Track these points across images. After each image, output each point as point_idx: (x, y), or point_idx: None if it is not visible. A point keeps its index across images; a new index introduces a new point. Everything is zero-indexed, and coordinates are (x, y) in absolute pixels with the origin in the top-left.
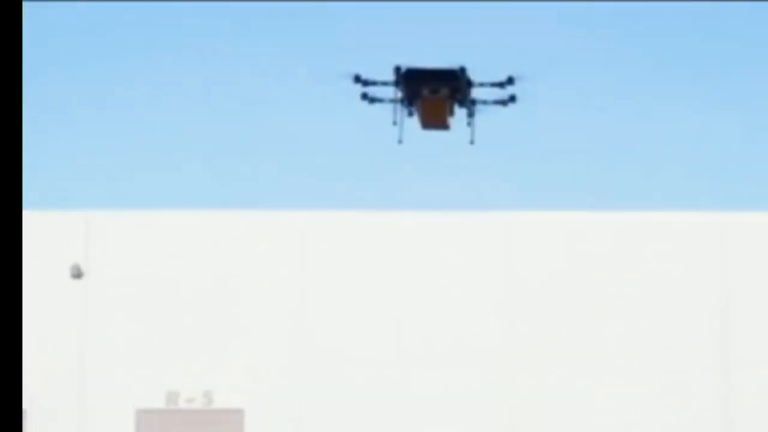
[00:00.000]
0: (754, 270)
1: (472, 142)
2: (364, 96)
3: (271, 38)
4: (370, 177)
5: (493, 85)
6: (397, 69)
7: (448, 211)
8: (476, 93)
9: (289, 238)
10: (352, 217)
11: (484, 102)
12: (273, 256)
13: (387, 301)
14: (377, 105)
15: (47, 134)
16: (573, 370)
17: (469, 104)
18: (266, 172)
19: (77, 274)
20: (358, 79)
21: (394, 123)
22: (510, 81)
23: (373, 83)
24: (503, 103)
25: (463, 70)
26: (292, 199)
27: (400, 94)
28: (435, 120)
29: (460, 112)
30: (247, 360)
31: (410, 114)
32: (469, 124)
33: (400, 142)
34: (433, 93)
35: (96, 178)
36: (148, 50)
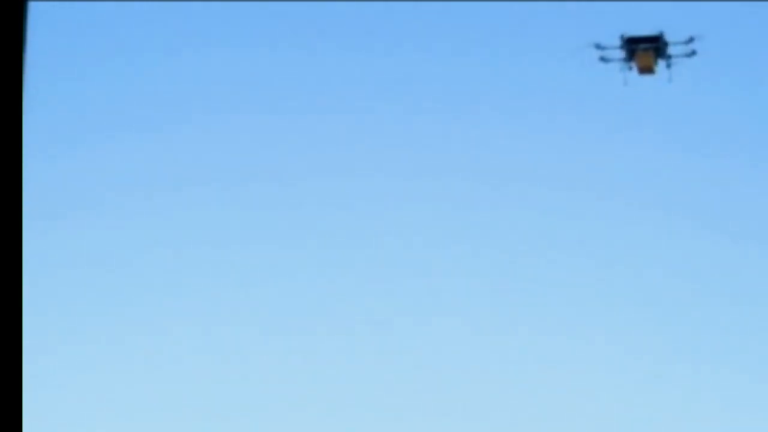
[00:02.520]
0: None
1: (670, 81)
2: (602, 58)
3: None
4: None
5: (680, 43)
6: (622, 36)
7: None
8: (671, 49)
9: None
10: None
11: (677, 56)
12: None
13: None
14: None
15: None
16: None
17: (667, 57)
18: None
19: None
20: (598, 46)
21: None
22: (691, 40)
23: (605, 48)
24: (688, 55)
25: (662, 34)
26: None
27: (623, 54)
28: (646, 68)
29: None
30: None
31: (630, 68)
32: (668, 66)
33: (625, 84)
34: (644, 50)
35: None
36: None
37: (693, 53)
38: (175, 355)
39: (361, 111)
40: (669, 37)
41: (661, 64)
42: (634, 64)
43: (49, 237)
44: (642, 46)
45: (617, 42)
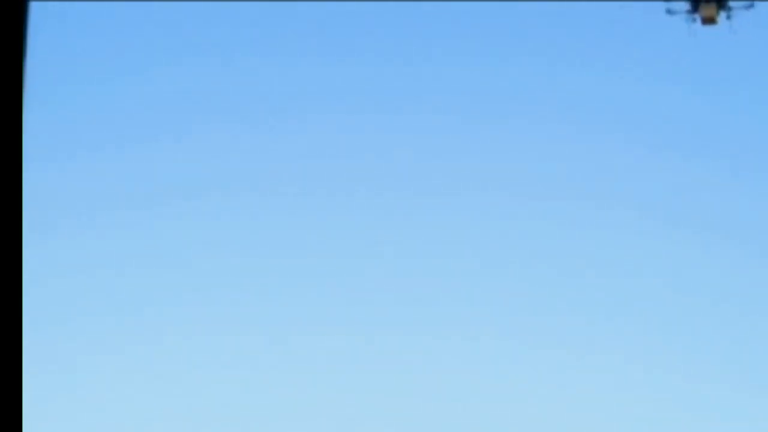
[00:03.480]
0: None
1: (731, 31)
2: (668, 10)
3: None
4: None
5: None
6: None
7: None
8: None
9: None
10: None
11: (737, 7)
12: None
13: None
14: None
15: None
16: None
17: (728, 8)
18: None
19: None
20: None
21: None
22: None
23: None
24: (747, 7)
25: None
26: None
27: (688, 7)
28: (709, 19)
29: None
30: None
31: (694, 19)
32: (728, 17)
33: (690, 34)
34: (707, 2)
35: None
36: None
37: (751, 5)
38: (177, 359)
39: (370, 116)
40: None
41: (723, 15)
42: (698, 16)
43: (49, 241)
44: None
45: None
